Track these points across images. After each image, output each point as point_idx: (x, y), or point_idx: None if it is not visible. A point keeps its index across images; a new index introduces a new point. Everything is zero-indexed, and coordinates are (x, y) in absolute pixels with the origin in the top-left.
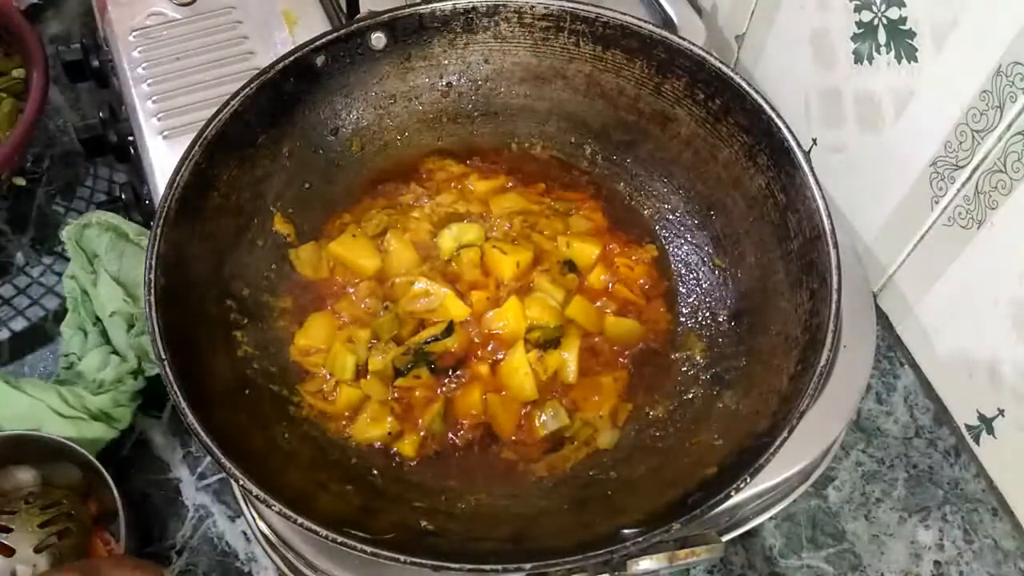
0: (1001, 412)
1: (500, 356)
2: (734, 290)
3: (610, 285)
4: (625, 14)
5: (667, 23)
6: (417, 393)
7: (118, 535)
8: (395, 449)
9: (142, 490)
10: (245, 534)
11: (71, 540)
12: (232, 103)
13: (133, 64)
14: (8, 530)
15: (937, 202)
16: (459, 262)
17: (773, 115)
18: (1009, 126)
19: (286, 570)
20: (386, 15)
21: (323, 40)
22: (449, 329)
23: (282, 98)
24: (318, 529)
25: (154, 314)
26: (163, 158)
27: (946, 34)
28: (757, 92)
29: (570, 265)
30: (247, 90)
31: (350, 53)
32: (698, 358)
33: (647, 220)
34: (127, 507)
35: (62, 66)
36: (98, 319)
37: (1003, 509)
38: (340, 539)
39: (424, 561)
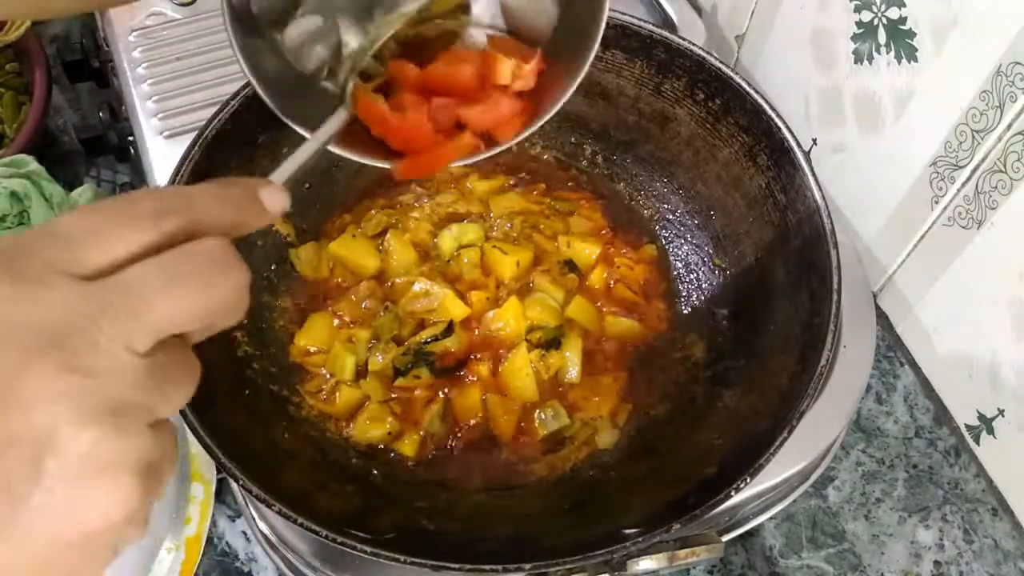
0: (1001, 412)
1: (500, 356)
2: (734, 290)
3: (610, 285)
4: (625, 14)
5: (667, 23)
6: (417, 393)
7: None
8: (395, 449)
9: None
10: (245, 534)
11: None
12: (232, 103)
13: (133, 64)
14: None
15: (937, 202)
16: (459, 262)
17: (773, 115)
18: (1009, 126)
19: (286, 570)
20: None
21: None
22: (449, 329)
23: None
24: (318, 529)
25: None
26: (163, 158)
27: (946, 34)
28: (757, 92)
29: (570, 265)
30: (247, 90)
31: None
32: (698, 358)
33: (647, 220)
34: None
35: (62, 66)
36: None
37: (1003, 509)
38: (340, 539)
39: (424, 561)
